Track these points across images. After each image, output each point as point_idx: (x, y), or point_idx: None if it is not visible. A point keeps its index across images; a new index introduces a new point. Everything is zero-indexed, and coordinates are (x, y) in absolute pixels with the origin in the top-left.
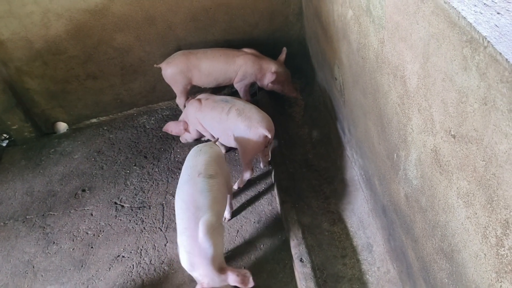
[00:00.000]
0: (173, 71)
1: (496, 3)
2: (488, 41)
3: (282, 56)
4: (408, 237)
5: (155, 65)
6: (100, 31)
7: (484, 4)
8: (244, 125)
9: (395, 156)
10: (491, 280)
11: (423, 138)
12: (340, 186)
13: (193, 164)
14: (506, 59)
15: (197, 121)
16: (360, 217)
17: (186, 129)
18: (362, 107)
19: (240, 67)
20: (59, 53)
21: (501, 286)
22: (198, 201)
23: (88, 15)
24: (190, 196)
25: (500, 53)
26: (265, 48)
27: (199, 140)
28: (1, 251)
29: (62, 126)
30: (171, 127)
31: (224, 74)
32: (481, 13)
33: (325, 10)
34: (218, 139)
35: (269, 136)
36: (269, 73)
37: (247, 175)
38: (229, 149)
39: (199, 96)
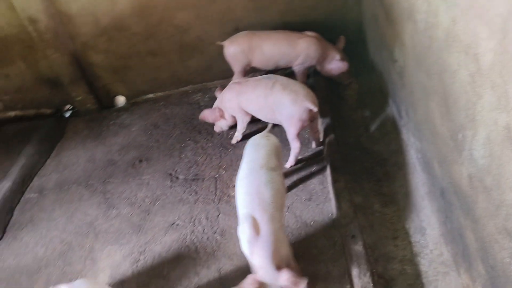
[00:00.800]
0: (235, 50)
1: None
2: None
3: (341, 44)
4: (467, 218)
5: (217, 43)
6: (163, 10)
7: None
8: (289, 99)
9: (460, 137)
10: None
11: (494, 116)
12: (394, 169)
13: (255, 157)
14: None
15: (237, 106)
16: (414, 200)
17: (222, 116)
18: (425, 88)
19: (302, 50)
20: (123, 30)
21: None
22: (263, 193)
23: None
24: (255, 188)
25: None
26: (324, 31)
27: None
28: (65, 213)
29: (121, 100)
30: (207, 114)
31: (286, 56)
32: None
33: None
34: (271, 126)
35: (314, 109)
36: (335, 60)
37: (296, 150)
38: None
39: (236, 81)
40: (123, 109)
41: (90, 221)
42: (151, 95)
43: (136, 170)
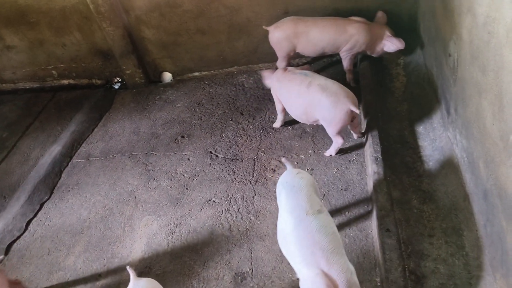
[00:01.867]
0: (280, 35)
1: None
2: None
3: (383, 20)
4: (510, 222)
5: (263, 27)
6: None
7: None
8: (330, 101)
9: (511, 138)
10: None
11: None
12: (436, 166)
13: (296, 204)
14: None
15: (274, 91)
16: (454, 200)
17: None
18: (478, 85)
19: (352, 36)
20: (175, 6)
21: None
22: (321, 242)
23: None
24: (311, 239)
25: None
26: (374, 19)
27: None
28: (108, 180)
29: (168, 76)
30: (265, 74)
31: (333, 43)
32: None
33: None
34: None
35: (357, 111)
36: (388, 37)
37: (338, 144)
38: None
39: (282, 67)
40: (169, 85)
41: (131, 190)
42: (197, 73)
43: (177, 145)
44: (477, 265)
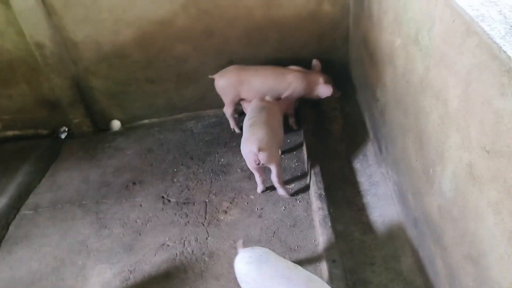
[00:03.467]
0: (225, 83)
1: None
2: None
3: (317, 67)
4: (437, 246)
5: (209, 76)
6: (163, 41)
7: None
8: (245, 137)
9: (431, 171)
10: None
11: (459, 154)
12: (373, 200)
13: (274, 266)
14: None
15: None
16: (390, 229)
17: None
18: (402, 126)
19: (290, 84)
20: (124, 57)
21: None
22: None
23: (155, 26)
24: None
25: None
26: (311, 68)
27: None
28: (59, 230)
29: (116, 124)
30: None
31: (273, 90)
32: None
33: (373, 37)
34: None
35: (257, 154)
36: (321, 85)
37: (256, 178)
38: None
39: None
40: (118, 133)
41: (82, 240)
42: (146, 121)
43: (129, 192)
44: None
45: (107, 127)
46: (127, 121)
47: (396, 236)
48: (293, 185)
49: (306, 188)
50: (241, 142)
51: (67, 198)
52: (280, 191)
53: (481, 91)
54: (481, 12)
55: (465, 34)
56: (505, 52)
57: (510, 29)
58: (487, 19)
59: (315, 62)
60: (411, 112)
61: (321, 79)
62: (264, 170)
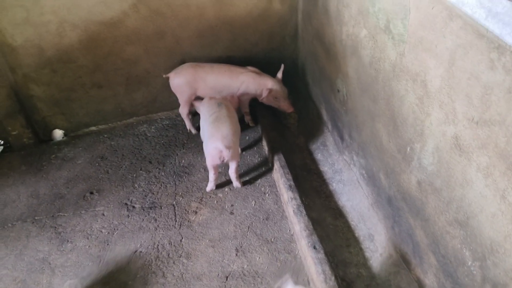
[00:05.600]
0: (180, 81)
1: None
2: None
3: (280, 73)
4: (417, 218)
5: (164, 75)
6: (112, 43)
7: (503, 23)
8: (210, 133)
9: (408, 150)
10: (508, 231)
11: (442, 129)
12: (339, 186)
13: None
14: None
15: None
16: (360, 211)
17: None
18: (370, 112)
19: (242, 83)
20: (69, 62)
21: None
22: None
23: (103, 27)
24: None
25: None
26: (263, 65)
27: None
28: (13, 251)
29: (58, 134)
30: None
31: (227, 88)
32: (503, 28)
33: (329, 32)
34: None
35: (223, 151)
36: (264, 89)
37: (210, 177)
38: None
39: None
40: (64, 142)
41: (43, 257)
42: (93, 128)
43: (88, 202)
44: (392, 263)
45: (49, 138)
46: (73, 130)
47: (367, 217)
48: (259, 180)
49: (272, 182)
50: (206, 139)
51: (17, 215)
52: (236, 183)
53: (467, 68)
54: None
55: (447, 18)
56: (491, 31)
57: (489, 12)
58: (466, 4)
59: (282, 67)
60: (382, 98)
61: (269, 83)
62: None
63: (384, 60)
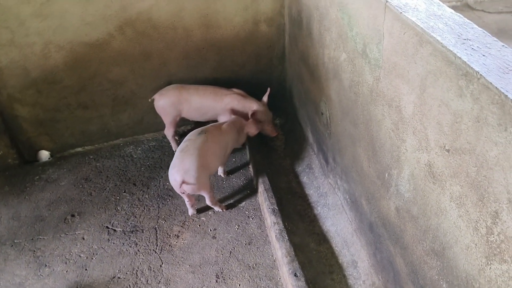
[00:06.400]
0: (165, 102)
1: (480, 48)
2: (481, 74)
3: (265, 96)
4: (396, 246)
5: (149, 99)
6: (98, 64)
7: (472, 49)
8: (172, 162)
9: (386, 175)
10: (481, 265)
11: (417, 156)
12: (324, 210)
13: None
14: (496, 87)
15: None
16: (344, 237)
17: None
18: (351, 136)
19: (226, 105)
20: (54, 83)
21: (490, 267)
22: None
23: (89, 48)
24: None
25: (491, 83)
26: (250, 87)
27: None
28: None
29: (44, 155)
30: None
31: (212, 110)
32: (471, 55)
33: (313, 54)
34: None
35: (183, 186)
36: (249, 111)
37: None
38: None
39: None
40: (49, 163)
41: (19, 282)
42: (79, 149)
43: (68, 225)
44: None
45: (34, 158)
46: (58, 150)
47: (350, 243)
48: (244, 203)
49: (257, 205)
50: (169, 167)
51: None
52: (216, 208)
53: (438, 95)
54: (430, 24)
55: (417, 44)
56: (460, 58)
57: (459, 38)
58: (436, 30)
59: (268, 90)
60: (361, 122)
61: (254, 106)
62: (194, 195)
63: (362, 84)
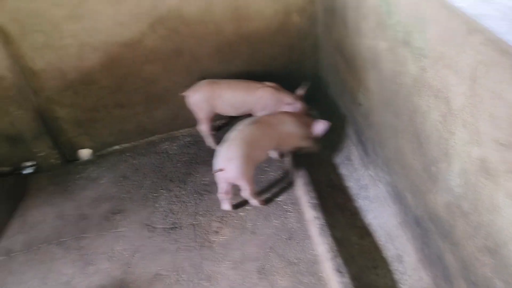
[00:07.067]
0: (198, 98)
1: None
2: None
3: (301, 90)
4: (446, 241)
5: (180, 93)
6: (131, 63)
7: None
8: (218, 151)
9: (433, 169)
10: None
11: (467, 150)
12: (365, 203)
13: None
14: None
15: None
16: (388, 230)
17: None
18: (393, 127)
19: (259, 98)
20: (90, 83)
21: None
22: None
23: (123, 48)
24: None
25: None
26: (283, 79)
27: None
28: (37, 274)
29: (85, 154)
30: None
31: (244, 104)
32: None
33: (348, 43)
34: None
35: (224, 173)
36: (284, 104)
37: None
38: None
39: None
40: (89, 162)
41: (66, 281)
42: (117, 147)
43: (110, 223)
44: (421, 286)
45: (75, 158)
46: (97, 149)
47: (395, 237)
48: (281, 197)
49: (295, 199)
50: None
51: (43, 237)
52: (254, 202)
53: (490, 86)
54: (479, 10)
55: (466, 33)
56: None
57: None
58: (486, 17)
59: (303, 85)
60: (404, 113)
61: (289, 99)
62: (232, 190)
63: (404, 74)
